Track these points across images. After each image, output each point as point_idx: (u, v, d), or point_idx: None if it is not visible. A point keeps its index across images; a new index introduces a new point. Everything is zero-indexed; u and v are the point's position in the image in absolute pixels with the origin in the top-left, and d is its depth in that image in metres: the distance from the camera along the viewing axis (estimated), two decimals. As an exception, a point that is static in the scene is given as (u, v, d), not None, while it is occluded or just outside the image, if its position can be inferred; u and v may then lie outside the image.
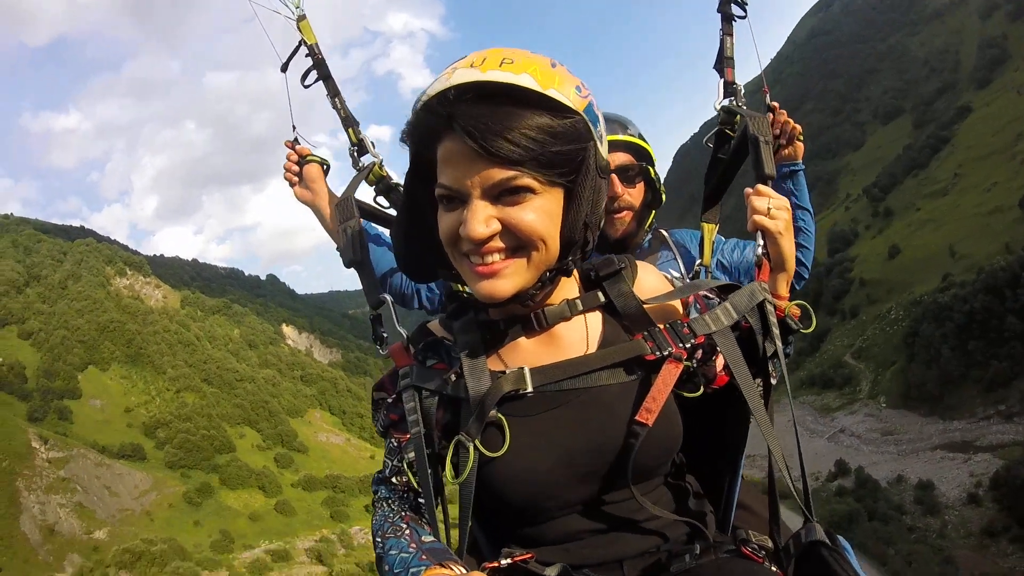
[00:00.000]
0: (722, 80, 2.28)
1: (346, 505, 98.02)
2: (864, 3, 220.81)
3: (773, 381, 1.48)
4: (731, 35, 2.34)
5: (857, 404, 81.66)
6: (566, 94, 1.13)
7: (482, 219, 1.13)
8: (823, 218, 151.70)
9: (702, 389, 1.40)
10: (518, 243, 1.17)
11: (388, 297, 1.60)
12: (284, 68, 2.36)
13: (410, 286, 2.44)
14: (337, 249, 2.00)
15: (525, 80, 1.09)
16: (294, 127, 2.30)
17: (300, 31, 2.35)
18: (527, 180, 1.12)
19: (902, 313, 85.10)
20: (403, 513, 1.40)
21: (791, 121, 2.34)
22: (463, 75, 1.11)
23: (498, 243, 1.16)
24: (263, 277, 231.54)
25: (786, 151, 2.41)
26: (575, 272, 1.42)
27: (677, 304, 1.44)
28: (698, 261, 2.40)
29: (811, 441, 77.04)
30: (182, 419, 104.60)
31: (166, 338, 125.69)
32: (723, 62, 2.30)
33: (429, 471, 1.33)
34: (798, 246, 2.39)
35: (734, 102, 2.27)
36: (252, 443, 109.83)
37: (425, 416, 1.36)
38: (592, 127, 1.17)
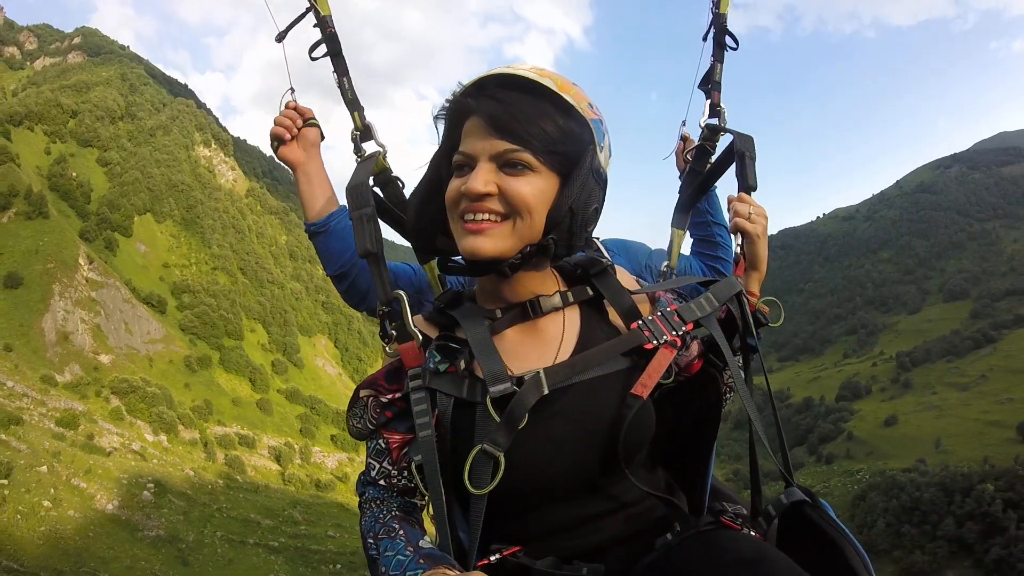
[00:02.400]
0: (709, 101, 2.47)
1: (316, 427, 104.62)
2: (980, 180, 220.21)
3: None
4: (722, 62, 2.50)
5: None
6: (579, 104, 1.33)
7: (483, 179, 1.29)
8: (849, 364, 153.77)
9: (674, 377, 1.47)
10: (508, 210, 1.31)
11: (402, 293, 1.53)
12: (280, 38, 2.24)
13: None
14: (308, 227, 2.18)
15: (546, 81, 1.31)
16: (292, 88, 2.18)
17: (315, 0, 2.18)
18: (527, 157, 1.28)
19: (867, 478, 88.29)
20: (394, 514, 1.42)
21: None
22: (499, 70, 1.35)
23: (491, 205, 1.30)
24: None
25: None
26: (556, 274, 1.53)
27: (646, 301, 1.54)
28: (665, 263, 2.55)
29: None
30: (209, 294, 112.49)
31: (222, 218, 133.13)
32: (711, 84, 2.48)
33: (440, 476, 1.34)
34: (719, 259, 2.69)
35: (719, 122, 2.44)
36: (258, 340, 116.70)
37: (439, 419, 1.38)
38: (596, 137, 1.35)
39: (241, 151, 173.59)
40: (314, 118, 2.19)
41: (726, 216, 2.44)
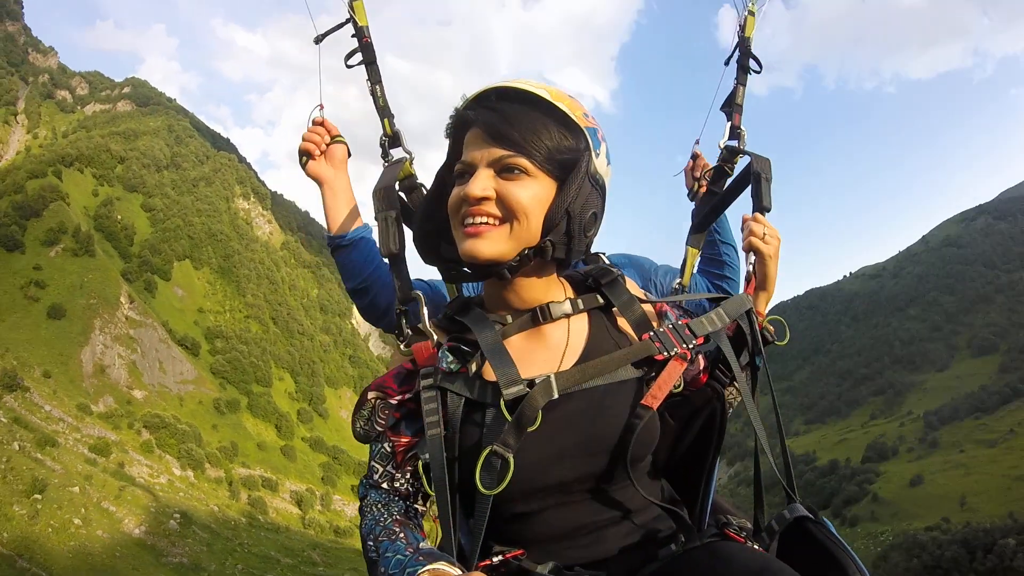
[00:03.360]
0: (729, 123, 2.47)
1: (338, 476, 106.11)
2: (1007, 229, 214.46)
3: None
4: (744, 85, 2.52)
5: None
6: (573, 112, 1.38)
7: (481, 184, 1.33)
8: (877, 425, 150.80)
9: (682, 387, 1.50)
10: (506, 214, 1.34)
11: (420, 293, 1.57)
12: (319, 40, 2.30)
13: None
14: (330, 240, 2.19)
15: (541, 91, 1.37)
16: (320, 105, 2.21)
17: (352, 11, 2.25)
18: (523, 162, 1.33)
19: (891, 539, 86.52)
20: (395, 517, 1.42)
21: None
22: (496, 83, 1.41)
23: (489, 208, 1.34)
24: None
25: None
26: (565, 282, 1.57)
27: (652, 311, 1.57)
28: (678, 280, 2.57)
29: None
30: (241, 341, 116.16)
31: (258, 268, 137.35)
32: (732, 107, 2.49)
33: (446, 475, 1.34)
34: (725, 278, 2.73)
35: (738, 144, 2.43)
36: (286, 389, 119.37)
37: (449, 419, 1.39)
38: (592, 144, 1.38)
39: (278, 205, 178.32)
40: (341, 136, 2.24)
41: (735, 237, 2.76)
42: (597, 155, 1.39)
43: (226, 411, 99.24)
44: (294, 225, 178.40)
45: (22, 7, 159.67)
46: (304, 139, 2.20)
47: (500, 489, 1.28)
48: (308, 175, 2.20)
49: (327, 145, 2.20)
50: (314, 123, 2.22)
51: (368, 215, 2.23)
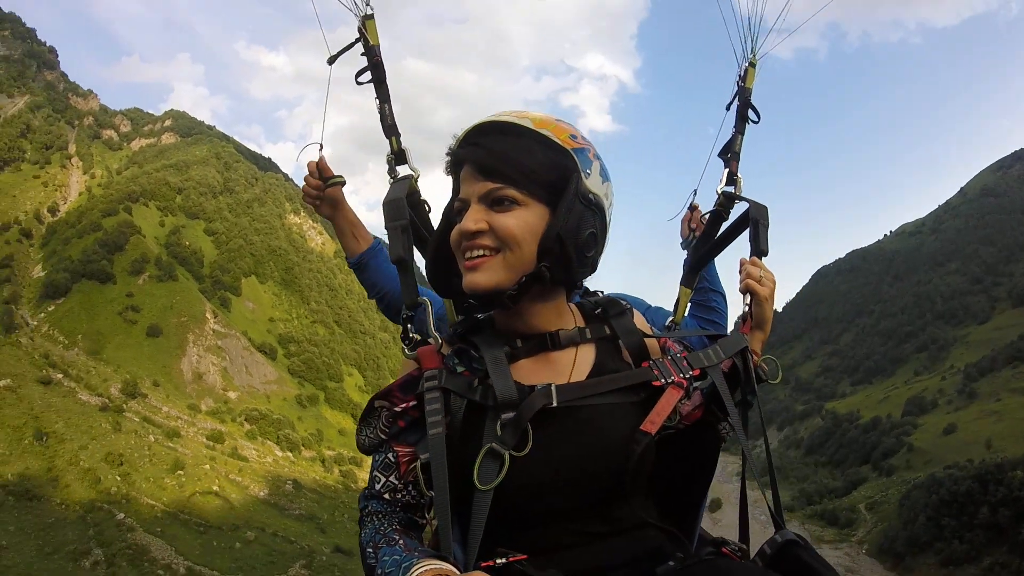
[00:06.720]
0: (727, 170, 2.43)
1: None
2: None
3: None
4: (743, 134, 2.50)
5: (845, 544, 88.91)
6: (558, 136, 1.40)
7: (473, 218, 1.37)
8: (920, 382, 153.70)
9: (678, 420, 1.53)
10: (499, 244, 1.36)
11: (426, 299, 1.59)
12: (331, 61, 2.31)
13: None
14: (349, 264, 2.48)
15: (524, 121, 1.39)
16: (321, 146, 2.30)
17: (364, 29, 2.24)
18: (512, 192, 1.35)
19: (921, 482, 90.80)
20: (395, 527, 1.44)
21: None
22: (482, 119, 1.44)
23: (484, 241, 1.37)
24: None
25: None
26: (576, 310, 1.61)
27: (656, 345, 1.62)
28: (670, 319, 2.61)
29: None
30: (311, 343, 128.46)
31: (316, 277, 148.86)
32: (730, 154, 2.47)
33: (447, 474, 1.34)
34: (712, 322, 2.78)
35: (735, 190, 2.42)
36: (356, 383, 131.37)
37: (451, 419, 1.41)
38: (581, 164, 1.39)
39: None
40: (335, 176, 2.38)
41: (722, 284, 3.03)
42: (588, 175, 1.41)
43: (307, 405, 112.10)
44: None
45: (57, 56, 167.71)
46: (303, 191, 2.46)
47: (496, 483, 1.30)
48: (320, 215, 2.50)
49: (323, 191, 2.41)
50: (308, 165, 2.39)
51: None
